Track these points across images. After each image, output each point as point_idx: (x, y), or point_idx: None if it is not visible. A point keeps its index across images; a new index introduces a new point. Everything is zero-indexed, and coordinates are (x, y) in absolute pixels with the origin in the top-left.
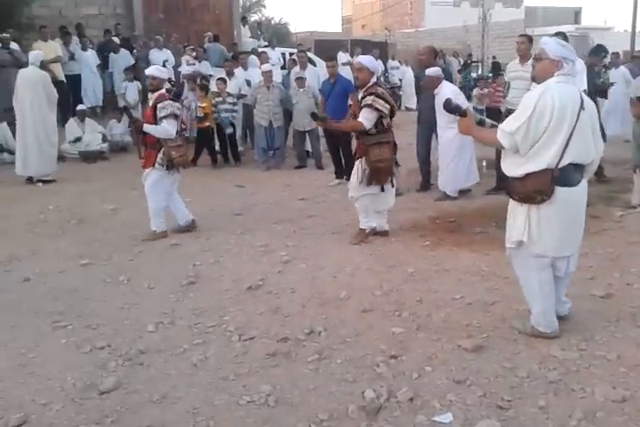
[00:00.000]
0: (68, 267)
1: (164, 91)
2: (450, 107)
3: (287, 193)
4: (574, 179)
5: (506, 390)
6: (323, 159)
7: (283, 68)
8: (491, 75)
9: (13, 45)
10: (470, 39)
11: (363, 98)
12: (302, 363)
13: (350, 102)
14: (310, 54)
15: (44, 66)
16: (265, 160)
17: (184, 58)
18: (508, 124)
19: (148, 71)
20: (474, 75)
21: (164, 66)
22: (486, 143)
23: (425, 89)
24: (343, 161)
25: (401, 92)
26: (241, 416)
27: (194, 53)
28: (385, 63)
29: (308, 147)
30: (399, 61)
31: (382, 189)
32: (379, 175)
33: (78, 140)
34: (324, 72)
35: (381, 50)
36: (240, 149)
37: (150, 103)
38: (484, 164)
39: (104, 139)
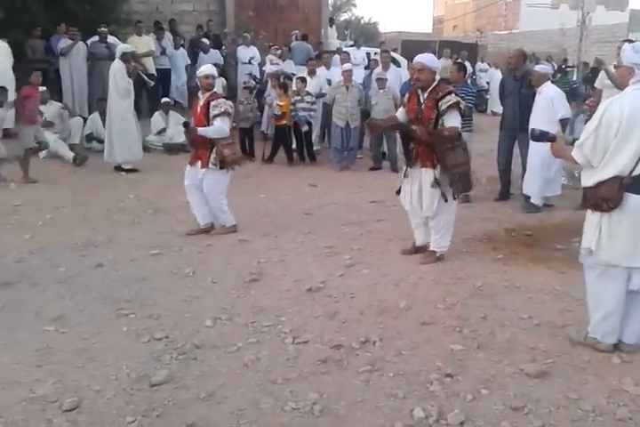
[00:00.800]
0: (140, 256)
1: (216, 90)
2: (535, 135)
3: (359, 195)
4: None
5: (567, 423)
6: (398, 162)
7: (367, 67)
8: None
9: (112, 39)
10: (567, 43)
11: (439, 99)
12: (353, 373)
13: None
14: (395, 55)
15: (136, 59)
16: (340, 160)
17: (268, 57)
18: (580, 139)
19: (204, 71)
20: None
21: (249, 63)
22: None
23: (529, 87)
24: None
25: (488, 96)
26: (284, 423)
27: (278, 52)
28: (473, 65)
29: (385, 148)
30: (488, 64)
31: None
32: (462, 182)
33: (162, 131)
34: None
35: (471, 51)
36: (316, 148)
37: (201, 102)
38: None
39: None
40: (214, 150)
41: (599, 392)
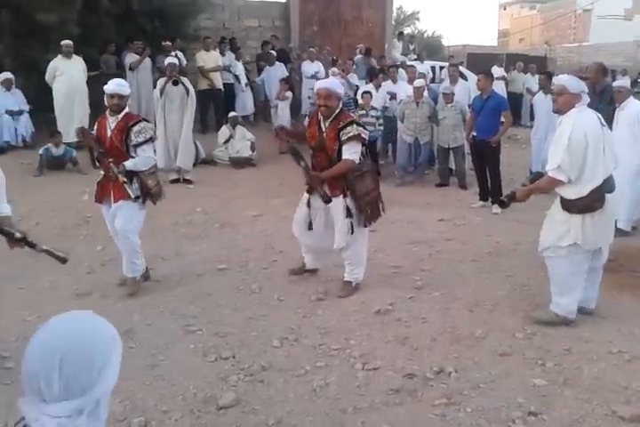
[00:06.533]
0: (206, 270)
1: (128, 109)
2: (504, 203)
3: (426, 212)
4: (612, 185)
5: None
6: (467, 178)
7: (432, 81)
8: None
9: (179, 55)
10: None
11: (341, 129)
12: (428, 406)
13: (503, 119)
14: (462, 68)
15: (203, 74)
16: (403, 176)
17: (331, 70)
18: (551, 164)
19: (111, 89)
20: None
21: (314, 77)
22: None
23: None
24: (489, 182)
25: None
26: None
27: (344, 66)
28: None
29: (452, 164)
30: None
31: (365, 225)
32: (372, 210)
33: (228, 140)
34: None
35: (540, 65)
36: (380, 162)
37: (113, 125)
38: None
39: (252, 147)
40: (135, 180)
41: None
